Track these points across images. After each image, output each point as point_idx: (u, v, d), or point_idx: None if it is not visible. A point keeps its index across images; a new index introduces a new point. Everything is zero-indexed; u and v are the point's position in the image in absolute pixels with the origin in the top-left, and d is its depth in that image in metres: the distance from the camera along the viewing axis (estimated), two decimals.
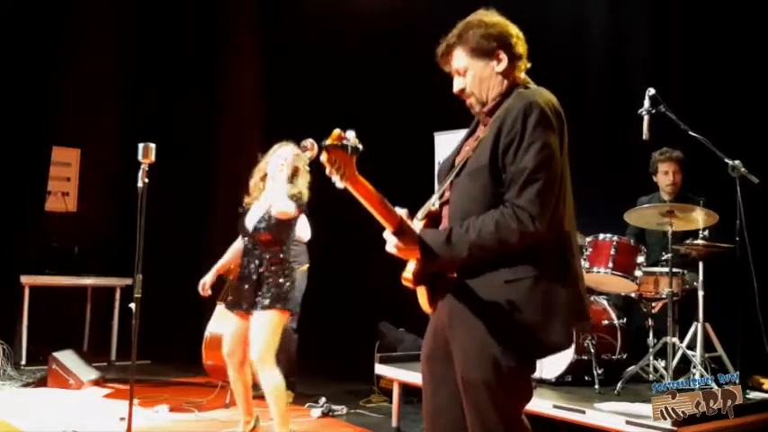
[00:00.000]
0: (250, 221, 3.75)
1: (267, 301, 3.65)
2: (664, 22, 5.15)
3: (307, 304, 5.18)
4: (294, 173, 3.81)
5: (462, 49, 2.09)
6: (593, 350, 3.97)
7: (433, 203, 2.12)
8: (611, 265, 3.99)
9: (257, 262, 3.71)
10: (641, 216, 4.10)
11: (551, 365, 4.04)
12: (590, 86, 5.40)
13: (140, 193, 3.40)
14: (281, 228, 3.73)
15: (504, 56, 2.06)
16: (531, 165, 1.90)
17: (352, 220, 7.46)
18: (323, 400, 4.90)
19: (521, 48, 2.09)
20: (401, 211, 1.99)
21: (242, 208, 3.84)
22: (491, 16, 2.10)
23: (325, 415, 4.69)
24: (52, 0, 6.32)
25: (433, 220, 2.12)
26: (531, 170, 1.90)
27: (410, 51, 6.49)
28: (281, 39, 7.67)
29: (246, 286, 3.70)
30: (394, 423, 4.52)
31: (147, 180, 3.43)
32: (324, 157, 1.85)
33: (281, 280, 3.72)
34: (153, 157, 3.38)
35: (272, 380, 3.69)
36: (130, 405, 3.22)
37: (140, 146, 3.33)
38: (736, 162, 3.87)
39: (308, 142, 5.04)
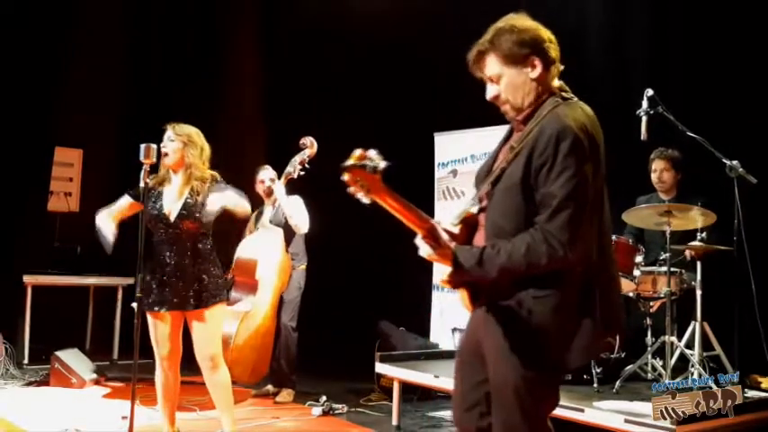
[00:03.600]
0: (170, 210, 3.56)
1: (211, 297, 3.57)
2: (664, 22, 5.17)
3: (307, 303, 5.20)
4: (180, 163, 3.61)
5: (495, 56, 2.06)
6: None
7: (468, 209, 2.16)
8: None
9: (183, 254, 3.55)
10: (639, 216, 4.12)
11: None
12: (590, 86, 5.40)
13: (142, 193, 3.42)
14: (209, 215, 3.60)
15: (537, 62, 2.05)
16: (561, 192, 1.91)
17: (352, 220, 7.50)
18: (323, 398, 4.92)
19: (554, 52, 2.07)
20: (433, 222, 2.03)
21: (142, 196, 3.44)
22: (523, 21, 2.07)
23: (325, 413, 4.71)
24: (54, 0, 6.34)
25: (469, 225, 2.16)
26: (561, 198, 1.91)
27: (411, 51, 6.52)
28: (281, 39, 7.70)
29: (179, 283, 3.52)
30: (394, 421, 4.54)
31: (148, 180, 3.45)
32: (346, 178, 1.86)
33: (216, 271, 3.64)
34: (154, 158, 3.39)
35: (226, 376, 3.67)
36: (132, 404, 3.23)
37: (142, 146, 3.34)
38: (735, 162, 3.90)
39: (308, 140, 5.07)
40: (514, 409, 2.01)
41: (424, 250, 2.03)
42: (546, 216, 1.93)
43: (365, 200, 1.89)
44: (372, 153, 1.87)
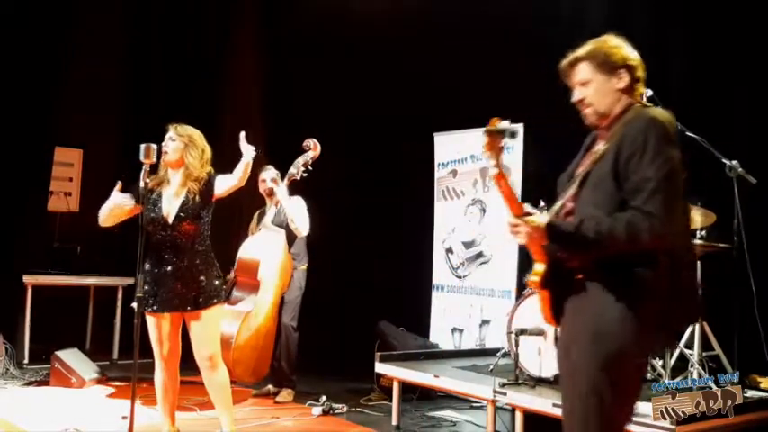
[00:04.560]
0: (168, 212, 3.57)
1: (210, 298, 3.59)
2: (663, 22, 5.17)
3: (307, 303, 5.20)
4: (180, 163, 3.63)
5: (588, 63, 2.24)
6: None
7: (555, 212, 2.23)
8: None
9: (181, 256, 3.57)
10: None
11: (550, 364, 4.06)
12: None
13: (142, 193, 3.42)
14: (206, 214, 3.64)
15: (625, 75, 2.21)
16: (657, 176, 2.01)
17: (353, 220, 7.48)
18: (323, 398, 4.92)
19: (640, 72, 2.24)
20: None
21: (141, 197, 3.44)
22: (616, 40, 2.26)
23: (325, 413, 4.71)
24: (54, 0, 6.34)
25: None
26: (657, 180, 2.01)
27: (411, 51, 6.52)
28: (282, 39, 7.70)
29: (178, 284, 3.55)
30: (394, 421, 4.54)
31: (148, 180, 3.45)
32: (485, 141, 2.07)
33: (214, 272, 3.66)
34: (154, 158, 3.40)
35: (225, 376, 3.69)
36: (132, 404, 3.23)
37: (142, 146, 3.35)
38: (734, 162, 3.90)
39: (311, 142, 5.08)
40: (591, 403, 2.03)
41: (519, 227, 2.11)
42: (642, 199, 2.02)
43: (493, 170, 2.07)
44: (505, 123, 2.06)
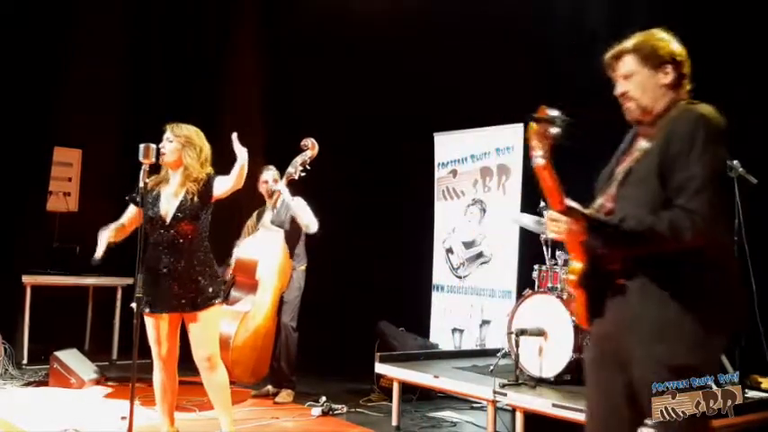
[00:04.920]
0: (166, 212, 3.57)
1: (208, 299, 3.58)
2: (663, 22, 5.15)
3: (307, 303, 5.20)
4: (178, 164, 3.62)
5: (633, 56, 2.19)
6: None
7: (593, 210, 2.18)
8: None
9: (179, 256, 3.56)
10: None
11: (550, 364, 4.06)
12: (590, 85, 5.40)
13: (141, 193, 3.42)
14: (205, 215, 3.63)
15: (670, 71, 2.17)
16: (702, 173, 1.97)
17: (352, 220, 7.47)
18: (323, 398, 4.92)
19: (687, 68, 2.20)
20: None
21: (140, 197, 3.44)
22: (664, 34, 2.22)
23: (325, 414, 4.71)
24: (53, 0, 6.34)
25: None
26: (702, 179, 1.97)
27: (411, 51, 6.52)
28: (282, 39, 7.70)
29: (176, 285, 3.54)
30: (394, 422, 4.54)
31: (147, 180, 3.45)
32: (533, 129, 1.96)
33: (212, 272, 3.65)
34: (154, 158, 3.40)
35: (224, 377, 3.69)
36: (131, 404, 3.23)
37: (141, 146, 3.35)
38: (735, 162, 3.89)
39: (309, 141, 5.07)
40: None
41: (561, 222, 2.05)
42: (687, 197, 1.97)
43: (539, 161, 1.95)
44: (555, 111, 1.97)
